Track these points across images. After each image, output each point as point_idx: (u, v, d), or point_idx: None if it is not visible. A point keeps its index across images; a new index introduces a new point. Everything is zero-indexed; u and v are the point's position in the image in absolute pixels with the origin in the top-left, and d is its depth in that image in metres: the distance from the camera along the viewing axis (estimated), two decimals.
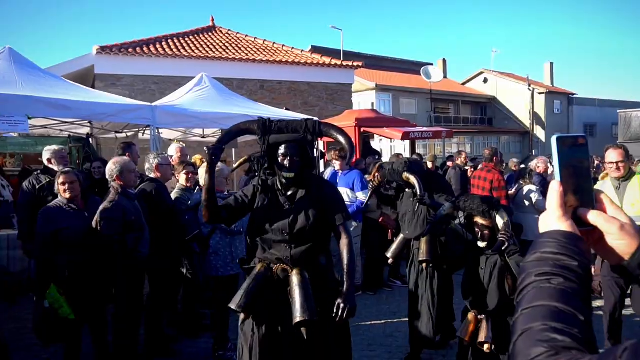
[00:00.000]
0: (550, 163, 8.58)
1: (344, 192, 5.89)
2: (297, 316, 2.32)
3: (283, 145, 2.48)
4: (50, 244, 3.38)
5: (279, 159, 2.49)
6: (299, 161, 2.49)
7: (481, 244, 3.11)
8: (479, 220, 3.10)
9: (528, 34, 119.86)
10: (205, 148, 2.29)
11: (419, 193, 3.81)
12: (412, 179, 3.86)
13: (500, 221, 3.01)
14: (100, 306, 3.66)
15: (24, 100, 4.81)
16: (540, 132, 35.56)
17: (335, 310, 2.38)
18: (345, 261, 2.51)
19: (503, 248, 2.90)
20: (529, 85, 34.68)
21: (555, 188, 0.79)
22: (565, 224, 0.75)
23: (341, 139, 2.55)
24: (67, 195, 3.47)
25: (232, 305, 2.41)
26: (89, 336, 3.69)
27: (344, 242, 2.55)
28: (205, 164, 2.59)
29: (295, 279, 2.42)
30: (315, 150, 2.49)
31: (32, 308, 4.27)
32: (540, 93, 35.56)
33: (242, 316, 2.50)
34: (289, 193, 2.55)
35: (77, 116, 5.80)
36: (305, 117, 2.80)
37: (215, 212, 2.49)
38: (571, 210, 0.79)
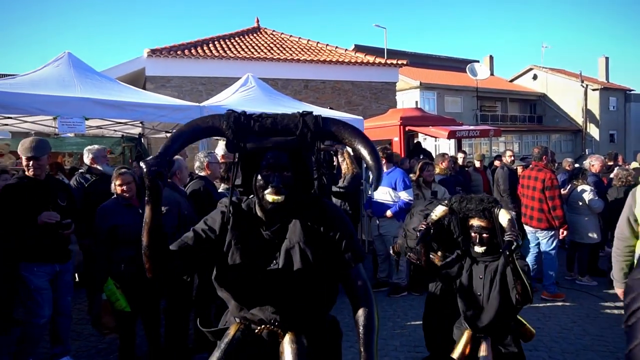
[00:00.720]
0: (607, 163, 8.18)
1: (386, 191, 5.84)
2: None
3: (268, 154, 1.66)
4: (107, 240, 3.54)
5: (262, 175, 1.66)
6: (291, 177, 1.67)
7: (479, 249, 2.80)
8: (475, 222, 2.78)
9: (580, 28, 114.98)
10: (141, 164, 1.48)
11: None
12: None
13: (504, 218, 2.65)
14: (153, 300, 3.80)
15: (81, 102, 5.04)
16: (594, 131, 34.04)
17: None
18: (361, 325, 1.67)
19: (513, 248, 2.51)
20: (582, 82, 33.24)
21: None
22: None
23: (361, 148, 1.65)
24: (126, 195, 3.63)
25: None
26: (141, 329, 3.83)
27: (357, 297, 1.72)
28: None
29: (288, 349, 1.68)
30: (316, 158, 1.73)
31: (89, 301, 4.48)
32: (594, 89, 34.05)
33: None
34: (276, 226, 1.72)
35: (130, 117, 6.03)
36: (306, 109, 1.96)
37: (161, 261, 1.60)
38: None
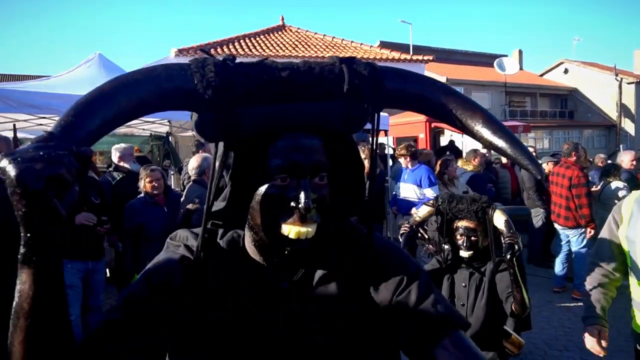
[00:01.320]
0: None
1: (411, 188, 5.76)
2: None
3: (283, 141, 0.83)
4: (134, 238, 3.62)
5: (274, 186, 0.83)
6: (326, 188, 0.86)
7: (464, 254, 2.47)
8: (462, 223, 2.46)
9: (614, 20, 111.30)
10: (4, 162, 0.60)
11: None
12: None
13: (500, 220, 2.37)
14: None
15: None
16: (629, 126, 32.98)
17: None
18: None
19: (515, 251, 2.25)
20: (616, 75, 32.21)
21: None
22: None
23: (477, 125, 0.88)
24: (155, 192, 3.70)
25: None
26: None
27: None
28: None
29: None
30: (371, 144, 0.91)
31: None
32: (629, 83, 32.94)
33: None
34: (294, 277, 0.91)
35: (158, 115, 6.16)
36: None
37: None
38: None
